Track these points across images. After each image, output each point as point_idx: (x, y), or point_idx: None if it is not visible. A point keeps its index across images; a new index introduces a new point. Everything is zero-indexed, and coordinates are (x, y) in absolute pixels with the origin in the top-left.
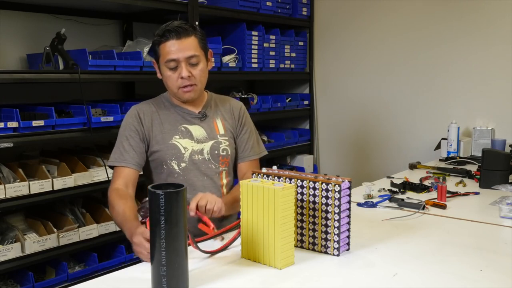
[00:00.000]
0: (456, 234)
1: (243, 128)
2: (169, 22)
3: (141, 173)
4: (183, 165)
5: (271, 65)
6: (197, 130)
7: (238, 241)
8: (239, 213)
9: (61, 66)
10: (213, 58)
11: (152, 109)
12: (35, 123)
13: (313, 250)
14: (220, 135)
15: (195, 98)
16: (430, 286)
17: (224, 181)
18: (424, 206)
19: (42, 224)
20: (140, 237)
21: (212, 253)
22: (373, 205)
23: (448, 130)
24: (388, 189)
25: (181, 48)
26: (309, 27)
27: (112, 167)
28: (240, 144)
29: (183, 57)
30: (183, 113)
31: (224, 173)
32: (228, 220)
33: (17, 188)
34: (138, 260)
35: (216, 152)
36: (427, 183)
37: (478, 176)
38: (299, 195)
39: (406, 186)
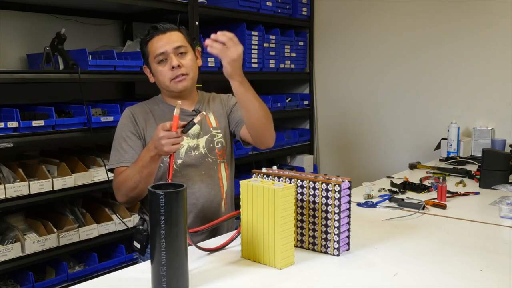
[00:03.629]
0: (456, 234)
1: (233, 105)
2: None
3: None
4: (179, 161)
5: (271, 65)
6: None
7: (238, 241)
8: (238, 216)
9: (61, 66)
10: (201, 61)
11: (146, 109)
12: (35, 123)
13: (313, 250)
14: (213, 128)
15: (188, 87)
16: (430, 286)
17: (223, 174)
18: (424, 206)
19: (42, 224)
20: (159, 131)
21: (210, 250)
22: (373, 205)
23: (448, 130)
24: (388, 189)
25: (167, 41)
26: (309, 27)
27: (112, 170)
28: (235, 114)
29: (171, 48)
30: None
31: (222, 165)
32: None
33: (17, 188)
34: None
35: (211, 145)
36: (427, 183)
37: (478, 176)
38: (299, 195)
39: (406, 186)
